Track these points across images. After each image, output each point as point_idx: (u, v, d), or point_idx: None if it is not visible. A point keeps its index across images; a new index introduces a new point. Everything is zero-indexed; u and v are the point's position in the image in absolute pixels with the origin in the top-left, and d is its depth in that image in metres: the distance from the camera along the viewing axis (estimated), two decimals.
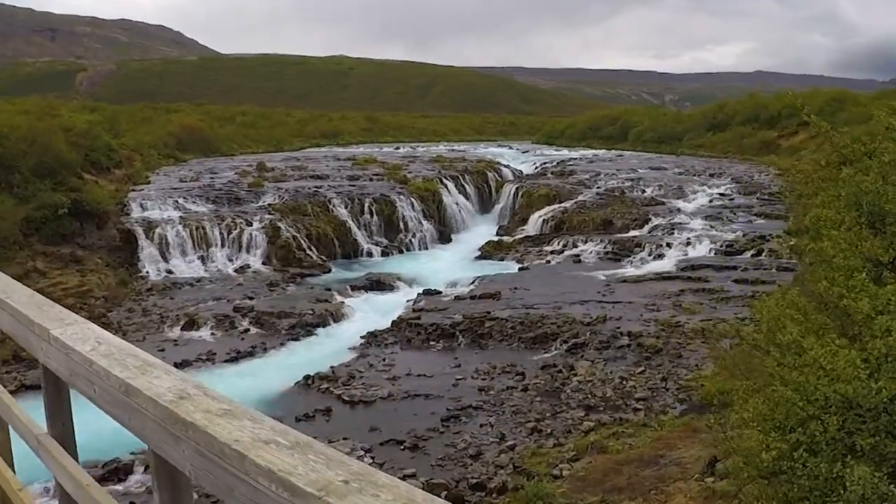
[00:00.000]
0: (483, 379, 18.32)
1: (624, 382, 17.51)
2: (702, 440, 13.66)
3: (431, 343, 21.42)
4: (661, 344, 19.73)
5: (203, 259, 30.35)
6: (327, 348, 21.26)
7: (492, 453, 14.24)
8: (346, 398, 17.12)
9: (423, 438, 14.96)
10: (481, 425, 15.57)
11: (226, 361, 20.05)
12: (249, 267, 30.33)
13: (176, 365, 19.19)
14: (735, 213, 36.14)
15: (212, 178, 42.49)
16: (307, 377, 18.25)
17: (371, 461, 13.87)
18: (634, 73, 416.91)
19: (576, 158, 63.05)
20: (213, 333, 22.48)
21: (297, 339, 22.04)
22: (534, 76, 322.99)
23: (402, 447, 14.63)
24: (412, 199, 38.51)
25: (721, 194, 40.99)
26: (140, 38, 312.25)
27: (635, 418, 15.39)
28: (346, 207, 35.94)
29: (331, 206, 35.65)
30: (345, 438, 14.79)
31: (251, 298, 25.57)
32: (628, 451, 13.26)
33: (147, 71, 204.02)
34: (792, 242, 28.10)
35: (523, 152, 73.75)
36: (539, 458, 13.67)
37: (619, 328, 21.10)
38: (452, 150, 72.65)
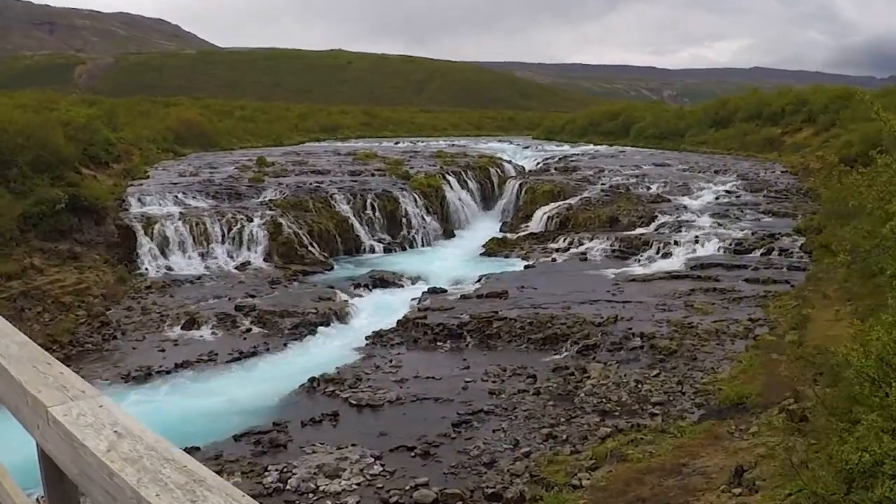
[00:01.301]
0: (493, 381, 17.75)
1: (639, 386, 16.96)
2: (724, 448, 13.20)
3: (439, 344, 20.88)
4: (675, 346, 19.19)
5: (203, 256, 29.75)
6: (332, 349, 20.71)
7: (506, 461, 13.69)
8: (353, 402, 16.56)
9: (434, 444, 14.41)
10: (494, 431, 15.02)
11: (228, 362, 19.48)
12: (250, 264, 29.76)
13: (177, 366, 18.86)
14: (742, 211, 35.65)
15: (211, 172, 41.90)
16: (312, 379, 17.67)
17: (382, 469, 13.37)
18: (632, 68, 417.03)
19: (577, 154, 62.46)
20: (214, 333, 21.92)
21: (300, 339, 21.46)
22: (532, 71, 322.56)
23: (412, 454, 14.07)
24: (415, 194, 37.94)
25: (727, 191, 40.46)
26: (138, 32, 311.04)
27: (653, 424, 14.85)
28: (348, 203, 35.39)
29: (332, 202, 35.10)
30: (354, 445, 14.26)
31: (253, 296, 25.02)
32: (649, 459, 12.75)
33: (145, 64, 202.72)
34: (802, 241, 27.56)
35: (524, 148, 73.13)
36: (556, 466, 13.14)
37: (630, 329, 20.57)
38: (453, 145, 72.07)
